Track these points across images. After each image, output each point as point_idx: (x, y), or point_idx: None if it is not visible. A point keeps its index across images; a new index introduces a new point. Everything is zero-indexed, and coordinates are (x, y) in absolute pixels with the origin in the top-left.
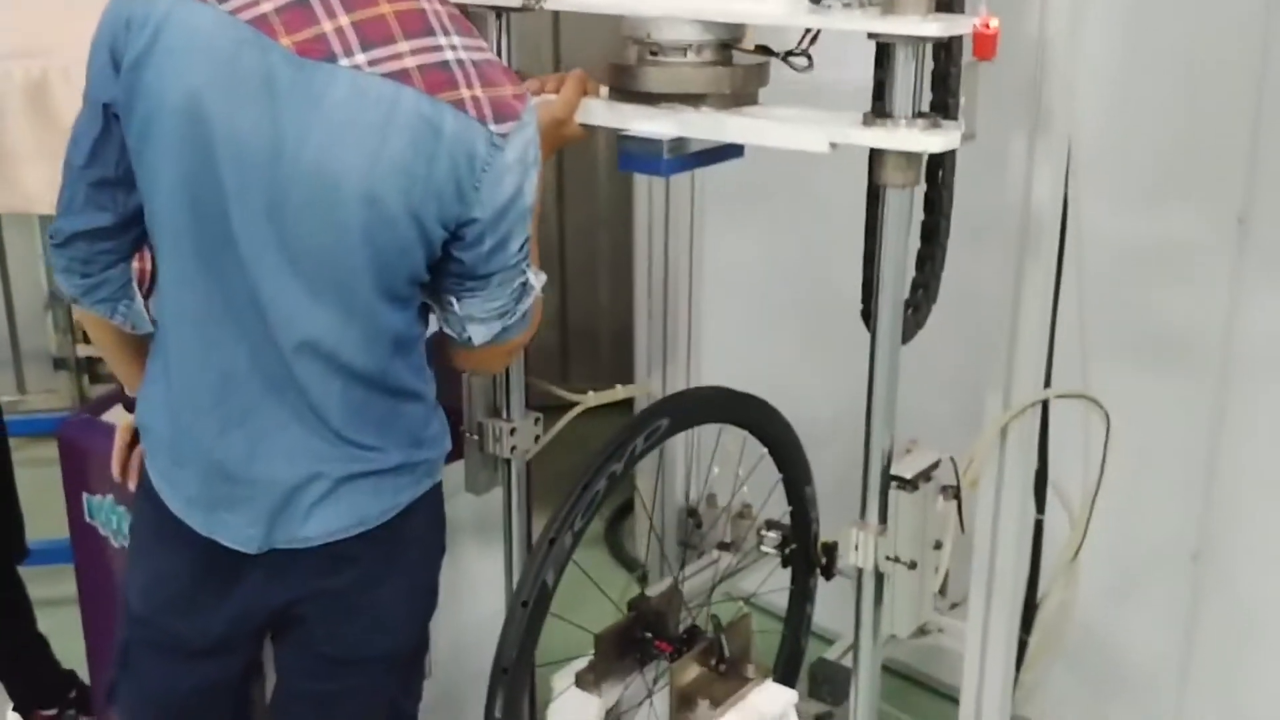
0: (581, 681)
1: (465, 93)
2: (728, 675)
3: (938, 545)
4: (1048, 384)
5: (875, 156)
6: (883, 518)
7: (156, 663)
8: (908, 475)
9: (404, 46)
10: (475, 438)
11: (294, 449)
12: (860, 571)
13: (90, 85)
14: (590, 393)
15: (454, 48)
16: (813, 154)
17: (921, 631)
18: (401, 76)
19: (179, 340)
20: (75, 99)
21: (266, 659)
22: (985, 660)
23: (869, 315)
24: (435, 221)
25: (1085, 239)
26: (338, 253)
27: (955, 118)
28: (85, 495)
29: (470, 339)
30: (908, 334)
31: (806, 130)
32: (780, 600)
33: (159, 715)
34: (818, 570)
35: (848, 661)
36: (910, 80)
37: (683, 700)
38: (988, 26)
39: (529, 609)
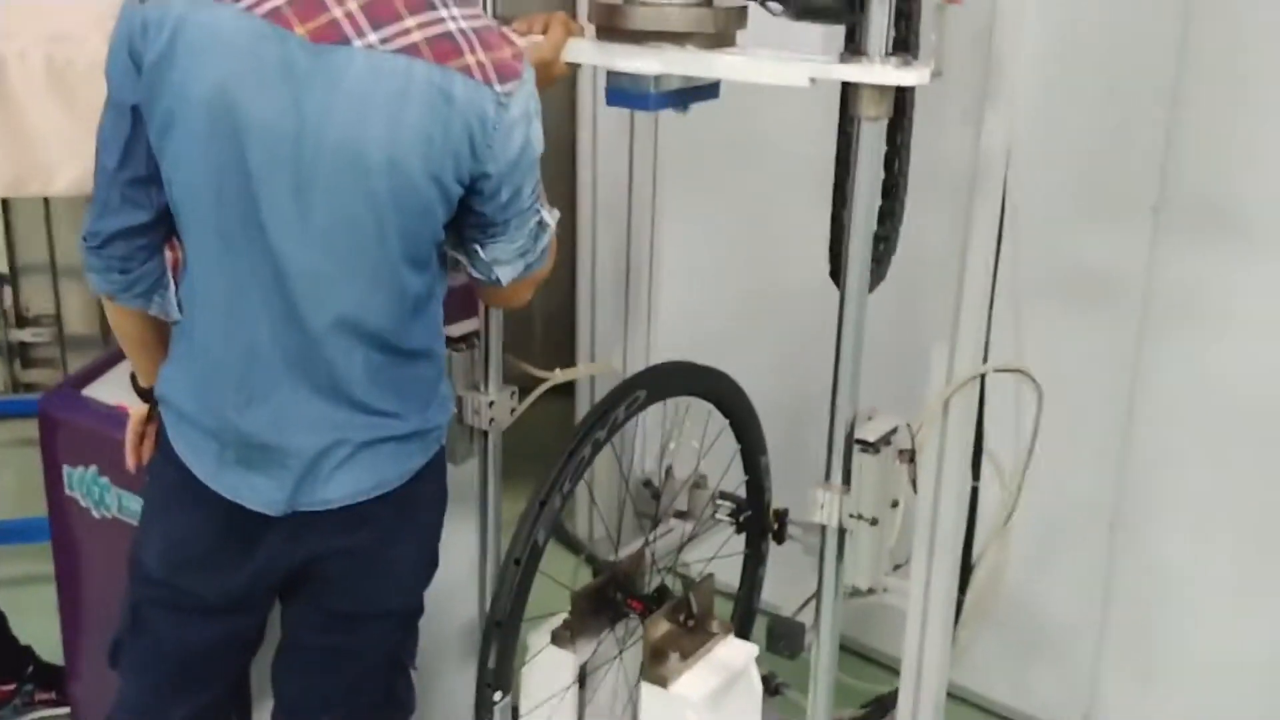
0: (558, 639)
1: (470, 59)
2: (695, 631)
3: (895, 504)
4: (986, 358)
5: (851, 92)
6: (846, 479)
7: (173, 621)
8: (871, 439)
9: (411, 22)
10: (455, 410)
11: (317, 419)
12: (824, 529)
13: (114, 88)
14: (557, 370)
15: (454, 19)
16: (764, 132)
17: (869, 590)
18: (412, 50)
19: (205, 320)
20: (95, 86)
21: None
22: (927, 617)
23: (837, 273)
24: (453, 180)
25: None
26: (366, 222)
27: (917, 56)
28: (65, 468)
29: (499, 279)
30: (872, 284)
31: (787, 67)
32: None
33: (172, 670)
34: (770, 535)
35: (800, 618)
36: (884, 20)
37: (655, 653)
38: None
39: (521, 566)
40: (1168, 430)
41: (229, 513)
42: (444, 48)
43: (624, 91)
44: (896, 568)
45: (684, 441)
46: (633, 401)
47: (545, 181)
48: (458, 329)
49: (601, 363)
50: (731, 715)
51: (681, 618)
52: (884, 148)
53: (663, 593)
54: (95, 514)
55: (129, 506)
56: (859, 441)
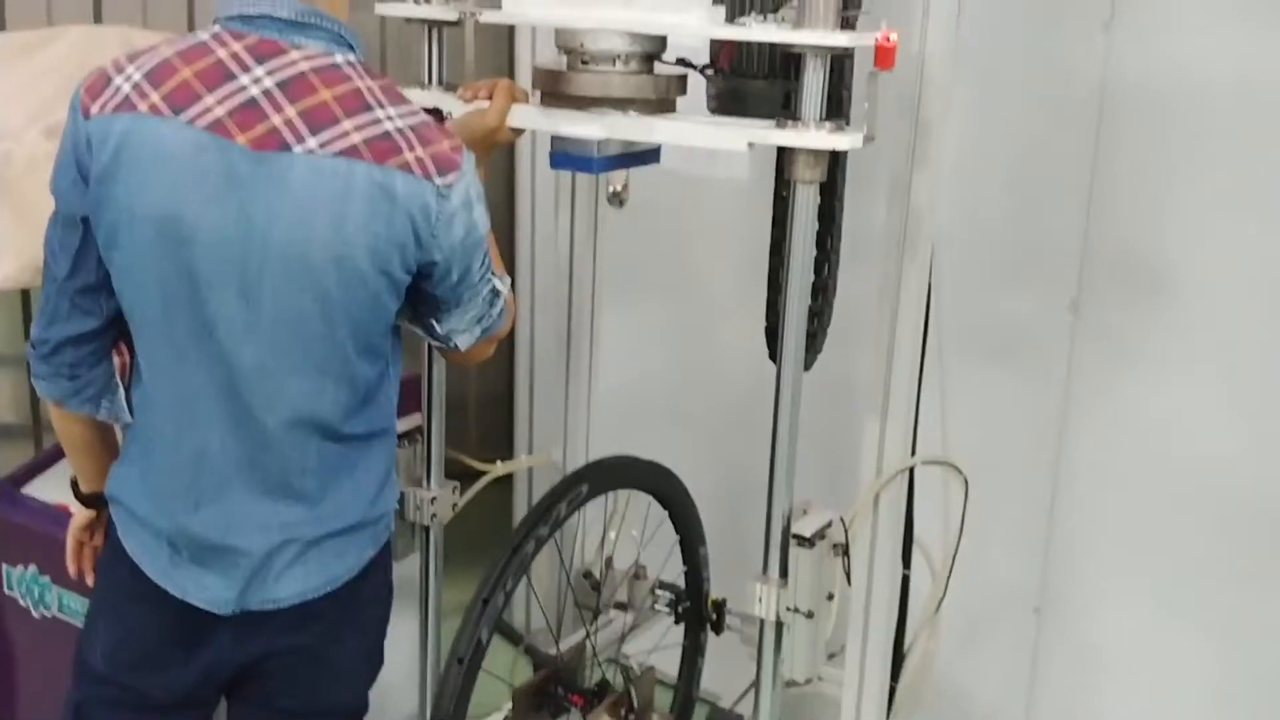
0: None
1: (410, 156)
2: None
3: (829, 597)
4: (914, 450)
5: (787, 156)
6: (783, 572)
7: (115, 719)
8: (807, 534)
9: (348, 125)
10: (397, 506)
11: (268, 520)
12: (762, 622)
13: (63, 202)
14: (498, 462)
15: (390, 118)
16: (700, 225)
17: (805, 681)
18: (351, 152)
19: (157, 424)
20: (33, 180)
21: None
22: (861, 704)
23: (776, 352)
24: (400, 270)
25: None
26: (315, 318)
27: (849, 121)
28: (5, 566)
29: (457, 346)
30: (808, 361)
31: (726, 131)
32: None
33: None
34: (709, 625)
35: (739, 709)
36: (818, 87)
37: None
38: (888, 39)
39: (465, 665)
40: (1089, 515)
41: (178, 611)
42: (383, 147)
43: (568, 155)
44: (831, 656)
45: (624, 532)
46: (575, 496)
47: None
48: (401, 425)
49: (541, 455)
50: None
51: (623, 712)
52: (815, 221)
53: (603, 686)
54: (35, 613)
55: (70, 605)
56: (795, 536)
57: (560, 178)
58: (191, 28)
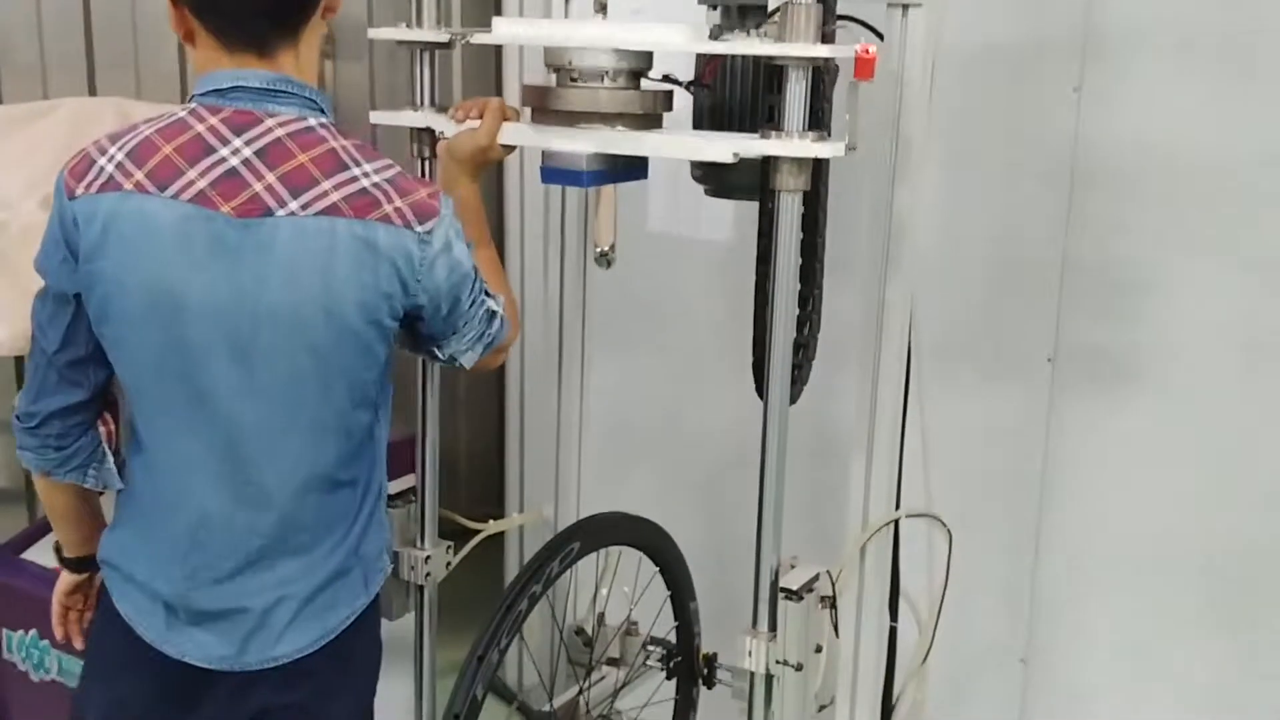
0: None
1: (389, 208)
2: None
3: (818, 649)
4: (898, 504)
5: (772, 166)
6: (772, 625)
7: None
8: (794, 587)
9: (327, 185)
10: (391, 566)
11: (265, 580)
12: (751, 675)
13: (52, 279)
14: (490, 521)
15: (367, 174)
16: (685, 285)
17: None
18: (332, 210)
19: (155, 489)
20: (28, 249)
21: None
22: None
23: (764, 385)
24: (389, 318)
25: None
26: (309, 374)
27: (830, 132)
28: (5, 631)
29: (463, 365)
30: (795, 394)
31: (712, 143)
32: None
33: None
34: (700, 680)
35: None
36: (800, 97)
37: None
38: (867, 52)
39: None
40: (1074, 566)
41: (174, 673)
42: (362, 203)
43: (558, 170)
44: (821, 708)
45: (615, 589)
46: (567, 554)
47: None
48: (394, 485)
49: (533, 512)
50: None
51: None
52: (799, 229)
53: None
54: (34, 677)
55: (69, 669)
56: (783, 590)
57: (549, 236)
58: (183, 97)
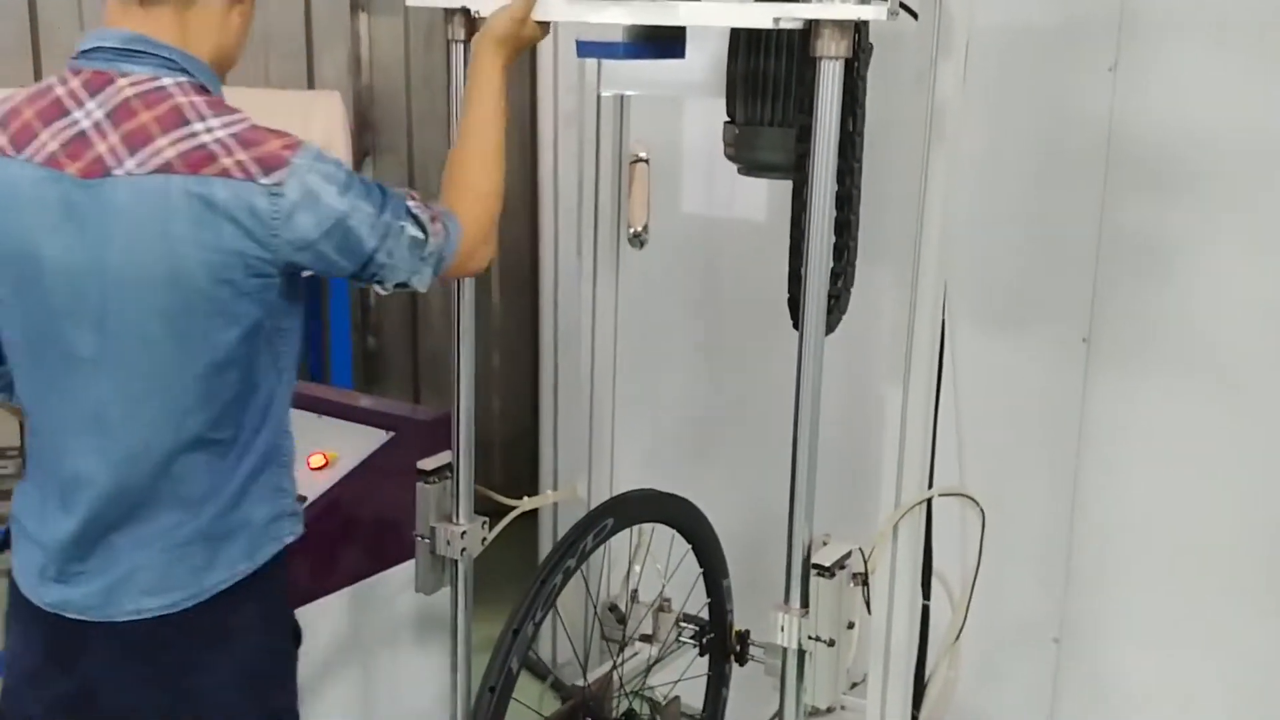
0: None
1: (228, 161)
2: None
3: (850, 625)
4: (931, 483)
5: (815, 31)
6: (804, 602)
7: None
8: (826, 564)
9: (163, 141)
10: (427, 541)
11: (136, 536)
12: (784, 650)
13: None
14: (525, 497)
15: (210, 129)
16: (719, 264)
17: (828, 709)
18: (166, 168)
19: (39, 449)
20: None
21: None
22: None
23: (798, 303)
24: (248, 276)
25: (957, 357)
26: (165, 339)
27: None
28: None
29: (419, 287)
30: (831, 324)
31: (752, 10)
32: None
33: None
34: (732, 656)
35: None
36: None
37: None
38: None
39: (496, 694)
40: (1108, 545)
41: (50, 625)
42: (197, 158)
43: (594, 43)
44: (853, 685)
45: (648, 566)
46: (601, 529)
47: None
48: (431, 462)
49: (567, 489)
50: None
51: None
52: (840, 99)
53: (630, 716)
54: None
55: None
56: (815, 566)
57: (583, 217)
58: None
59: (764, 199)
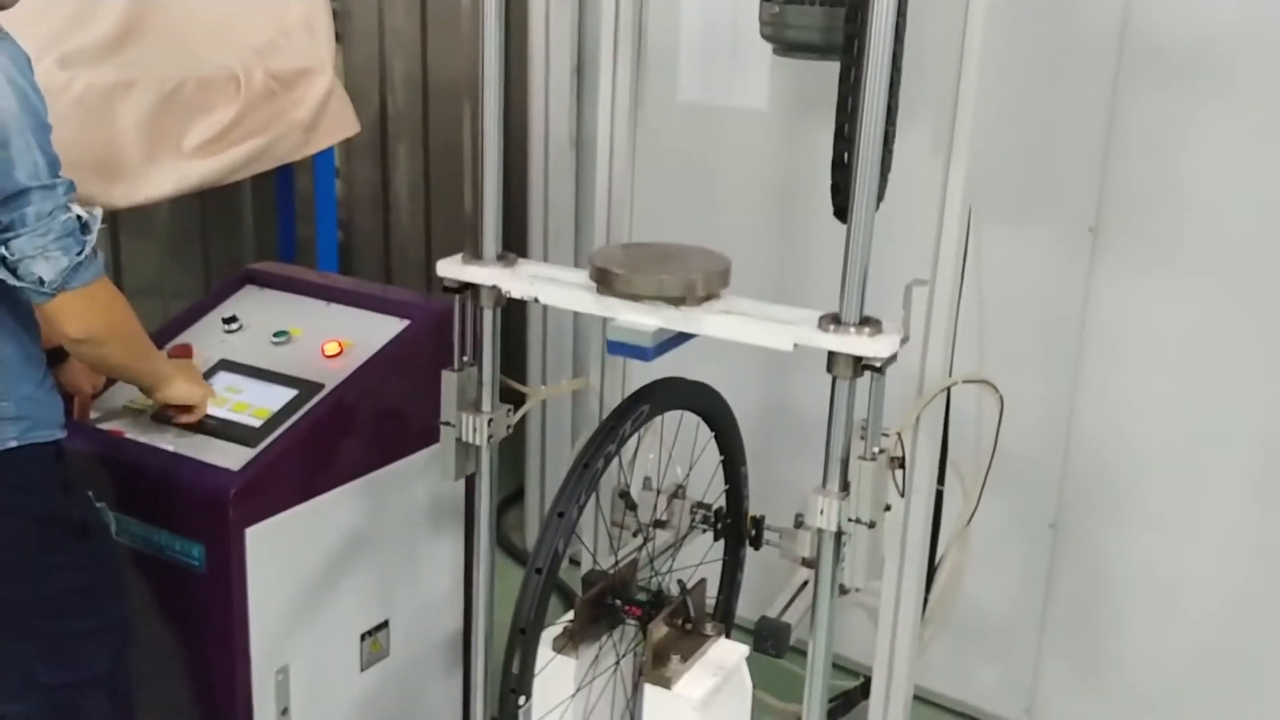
0: (558, 646)
1: None
2: (691, 633)
3: (887, 508)
4: (951, 372)
5: None
6: (844, 485)
7: None
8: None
9: None
10: (453, 427)
11: None
12: (821, 532)
13: None
14: (542, 386)
15: None
16: (721, 156)
17: (842, 590)
18: None
19: None
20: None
21: None
22: (898, 615)
23: (842, 202)
24: None
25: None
26: None
27: None
28: None
29: (40, 279)
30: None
31: (773, 331)
32: None
33: None
34: (748, 541)
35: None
36: None
37: (656, 656)
38: None
39: (544, 574)
40: (1105, 434)
41: None
42: None
43: (624, 345)
44: None
45: (658, 454)
46: (638, 416)
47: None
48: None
49: (579, 379)
50: (725, 713)
51: (679, 621)
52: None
53: (658, 598)
54: None
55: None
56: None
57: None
58: None
59: (766, 86)
